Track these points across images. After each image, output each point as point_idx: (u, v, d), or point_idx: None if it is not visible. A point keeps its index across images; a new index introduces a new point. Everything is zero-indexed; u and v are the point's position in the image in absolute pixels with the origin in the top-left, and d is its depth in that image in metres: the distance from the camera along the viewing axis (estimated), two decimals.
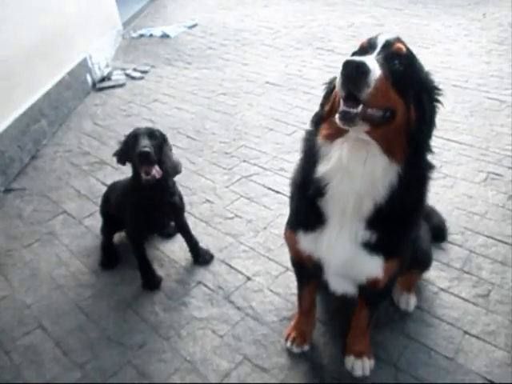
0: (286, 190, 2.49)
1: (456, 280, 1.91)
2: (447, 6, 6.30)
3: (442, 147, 2.86)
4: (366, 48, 1.10)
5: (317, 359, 1.65)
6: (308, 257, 1.36)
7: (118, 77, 4.53)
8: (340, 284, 1.41)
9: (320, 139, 1.17)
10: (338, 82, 1.01)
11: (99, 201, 2.61)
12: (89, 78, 4.29)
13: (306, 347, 1.66)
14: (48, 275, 2.13)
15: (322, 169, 1.16)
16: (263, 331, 1.76)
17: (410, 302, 1.77)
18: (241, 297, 1.92)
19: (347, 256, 1.26)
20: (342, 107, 1.02)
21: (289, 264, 1.97)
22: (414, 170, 1.13)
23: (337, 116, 1.03)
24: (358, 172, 1.11)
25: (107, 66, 4.75)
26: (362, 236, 1.22)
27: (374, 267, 1.27)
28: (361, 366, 1.55)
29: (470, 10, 6.02)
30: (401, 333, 1.70)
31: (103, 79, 4.47)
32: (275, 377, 1.58)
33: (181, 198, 1.99)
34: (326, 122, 1.16)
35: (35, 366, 1.70)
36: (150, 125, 3.41)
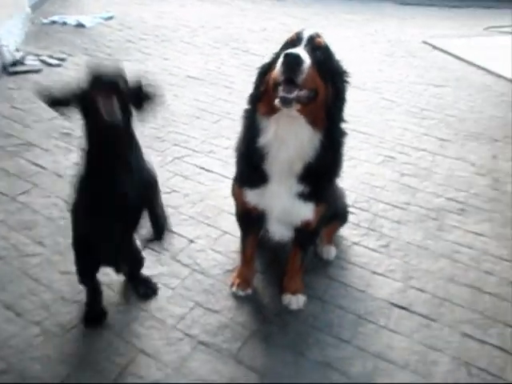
0: (217, 169, 2.82)
1: (365, 236, 2.35)
2: (344, 19, 7.11)
3: (348, 136, 3.36)
4: (294, 41, 1.42)
5: (259, 300, 1.94)
6: (254, 208, 1.66)
7: (32, 62, 4.37)
8: (279, 230, 1.73)
9: (259, 116, 1.48)
10: (277, 70, 1.33)
11: (32, 179, 2.65)
12: None
13: (249, 291, 1.94)
14: None
15: (262, 140, 1.49)
16: (210, 282, 1.99)
17: (330, 251, 2.15)
18: (186, 256, 2.13)
19: (286, 205, 1.60)
20: (281, 93, 1.35)
21: (226, 228, 2.29)
22: (332, 136, 1.51)
23: (277, 100, 1.36)
24: (291, 141, 1.47)
25: (17, 50, 4.54)
26: (296, 188, 1.57)
27: (307, 212, 1.61)
28: (296, 301, 1.88)
29: (364, 25, 6.87)
30: (324, 276, 2.07)
31: (15, 64, 4.27)
32: (225, 316, 1.83)
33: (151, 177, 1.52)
34: (263, 102, 1.48)
35: None
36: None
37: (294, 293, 1.89)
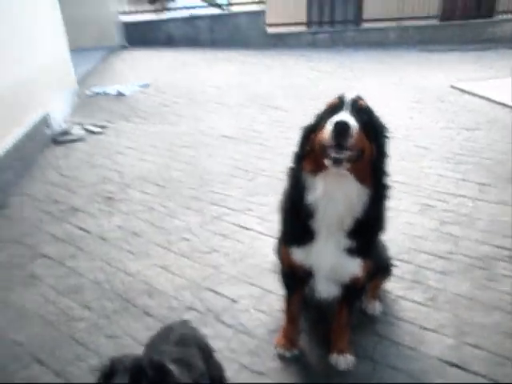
0: (256, 227, 2.85)
1: (409, 289, 2.27)
2: (368, 70, 7.31)
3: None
4: (337, 106, 1.46)
5: (306, 361, 1.88)
6: (300, 266, 1.66)
7: (77, 131, 4.70)
8: (326, 287, 1.71)
9: (305, 174, 1.52)
10: (328, 136, 1.37)
11: (78, 244, 2.76)
12: (48, 132, 4.42)
13: (295, 351, 1.89)
14: (36, 314, 2.18)
15: (311, 197, 1.52)
16: (255, 343, 1.96)
17: (375, 307, 2.09)
18: (230, 316, 2.12)
19: (334, 261, 1.59)
20: (332, 154, 1.39)
21: (269, 287, 2.27)
22: (378, 191, 1.52)
23: (327, 161, 1.40)
24: (339, 198, 1.49)
25: (65, 121, 4.90)
26: (344, 244, 1.57)
27: (355, 267, 1.60)
28: (344, 361, 1.81)
29: (389, 75, 7.03)
30: (372, 333, 2.00)
31: (62, 133, 4.61)
32: (271, 378, 1.79)
33: None
34: (309, 160, 1.52)
35: None
36: (116, 176, 3.62)
37: (341, 352, 1.83)
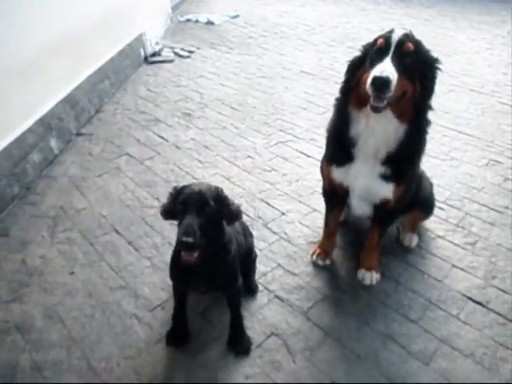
0: (317, 155, 3.00)
1: (451, 231, 2.35)
2: (474, 21, 6.69)
3: (453, 137, 3.29)
4: (383, 49, 1.49)
5: (335, 271, 2.11)
6: (339, 184, 1.84)
7: (167, 54, 5.02)
8: (360, 206, 1.87)
9: (350, 107, 1.64)
10: (368, 85, 1.45)
11: (157, 148, 3.13)
12: (142, 52, 4.79)
13: (328, 262, 2.11)
14: (117, 197, 2.61)
15: (353, 130, 1.67)
16: (294, 249, 2.21)
17: (412, 239, 2.21)
18: (276, 225, 2.38)
19: (368, 183, 1.75)
20: (372, 103, 1.48)
21: (316, 206, 2.46)
22: (417, 126, 1.61)
23: (368, 107, 1.51)
24: (379, 132, 1.63)
25: (157, 43, 5.24)
26: (378, 170, 1.71)
27: (386, 191, 1.74)
28: (369, 277, 2.00)
29: (496, 27, 6.40)
30: (402, 261, 2.15)
31: (154, 54, 4.96)
32: (302, 279, 2.04)
33: (233, 268, 1.61)
34: (354, 95, 1.62)
35: (114, 255, 2.18)
36: (197, 97, 3.91)
37: (368, 269, 2.01)
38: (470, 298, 1.94)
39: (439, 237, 2.31)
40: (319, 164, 1.99)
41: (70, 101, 3.19)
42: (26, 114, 2.68)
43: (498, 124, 3.52)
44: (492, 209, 2.52)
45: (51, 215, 2.45)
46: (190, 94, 3.99)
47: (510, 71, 4.67)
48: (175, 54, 5.04)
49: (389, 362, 1.67)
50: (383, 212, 1.85)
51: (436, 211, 2.44)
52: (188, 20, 6.15)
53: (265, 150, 3.10)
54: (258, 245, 2.22)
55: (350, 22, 6.46)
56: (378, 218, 1.93)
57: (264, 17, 6.50)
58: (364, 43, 1.67)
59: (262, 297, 1.95)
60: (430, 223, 2.38)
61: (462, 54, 5.27)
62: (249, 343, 1.72)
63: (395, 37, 1.49)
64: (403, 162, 1.69)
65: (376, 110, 1.50)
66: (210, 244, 1.44)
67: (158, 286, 2.00)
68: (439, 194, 2.58)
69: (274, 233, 2.32)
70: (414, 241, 2.22)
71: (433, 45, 5.39)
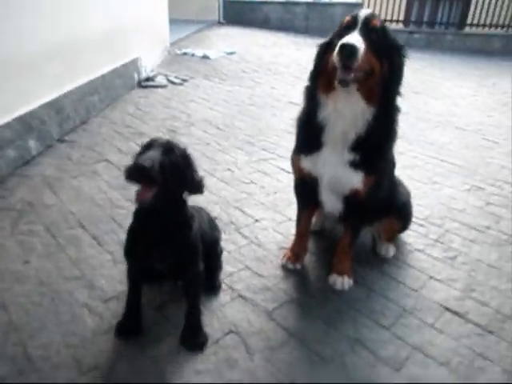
0: None
1: (430, 246, 2.26)
2: (461, 73, 6.96)
3: (436, 164, 3.28)
4: (350, 24, 1.51)
5: (306, 276, 1.99)
6: (308, 173, 1.78)
7: (160, 80, 5.13)
8: (330, 199, 1.80)
9: (319, 92, 1.62)
10: (335, 57, 1.45)
11: None
12: (136, 76, 4.89)
13: (298, 266, 2.00)
14: (90, 197, 2.53)
15: (322, 114, 1.64)
16: (264, 253, 2.11)
17: (388, 249, 2.12)
18: (248, 231, 2.29)
19: (337, 171, 1.69)
20: (339, 75, 1.47)
21: (292, 216, 2.37)
22: (385, 111, 1.59)
23: (335, 82, 1.49)
24: (346, 114, 1.59)
25: (152, 70, 5.37)
26: (347, 157, 1.66)
27: (356, 180, 1.68)
28: (341, 281, 1.89)
29: (482, 78, 6.65)
30: (377, 271, 2.05)
31: (147, 79, 5.07)
32: (269, 281, 1.92)
33: (193, 245, 1.51)
34: (322, 79, 1.61)
35: (75, 248, 2.07)
36: (184, 117, 3.94)
37: (340, 273, 1.91)
38: (447, 308, 1.83)
39: (417, 250, 2.22)
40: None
41: (55, 106, 3.18)
42: (6, 109, 2.66)
43: (481, 156, 3.53)
44: (473, 228, 2.45)
45: (17, 208, 2.35)
46: (178, 115, 4.02)
47: (495, 115, 4.78)
48: (168, 80, 5.15)
49: (356, 365, 1.53)
50: (354, 207, 1.77)
51: (415, 227, 2.39)
52: (185, 53, 6.36)
53: (245, 165, 3.06)
54: (227, 247, 2.12)
55: None
56: (350, 216, 1.85)
57: (259, 56, 6.74)
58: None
59: (224, 295, 1.82)
60: (409, 237, 2.30)
61: (448, 98, 5.42)
62: (204, 338, 1.58)
63: (362, 14, 1.51)
64: (372, 149, 1.64)
65: (343, 83, 1.47)
66: (170, 208, 1.39)
67: (116, 278, 1.88)
68: (419, 212, 2.53)
69: (245, 237, 2.23)
70: (391, 251, 2.13)
71: (421, 89, 5.63)
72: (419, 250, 2.22)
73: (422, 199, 2.73)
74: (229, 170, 2.98)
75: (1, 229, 2.17)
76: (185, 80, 5.21)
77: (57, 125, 3.23)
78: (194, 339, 1.56)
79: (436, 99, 5.30)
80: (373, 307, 1.81)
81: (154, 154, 1.29)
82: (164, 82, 5.08)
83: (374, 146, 1.63)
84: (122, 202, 2.49)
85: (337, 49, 1.44)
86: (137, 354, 1.51)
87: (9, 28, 2.60)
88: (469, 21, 9.58)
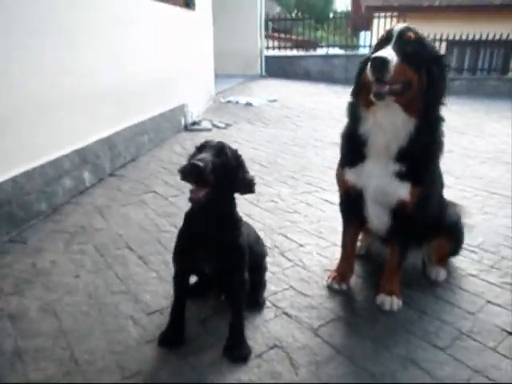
0: None
1: (485, 272, 2.12)
2: (509, 116, 6.81)
3: (486, 197, 3.15)
4: (385, 39, 1.55)
5: (352, 296, 1.92)
6: (352, 186, 1.77)
7: (205, 124, 5.38)
8: (376, 213, 1.77)
9: (360, 107, 1.66)
10: (368, 71, 1.50)
11: (184, 189, 3.18)
12: (182, 121, 5.17)
13: (344, 286, 1.94)
14: (137, 223, 2.61)
15: (363, 127, 1.66)
16: (309, 274, 2.07)
17: (439, 273, 2.02)
18: (293, 254, 2.26)
19: (382, 182, 1.68)
20: (374, 89, 1.51)
21: (337, 241, 2.34)
22: (427, 121, 1.59)
23: (371, 95, 1.53)
24: (388, 127, 1.61)
25: (198, 116, 5.66)
26: (392, 168, 1.65)
27: (402, 191, 1.66)
28: (390, 301, 1.80)
29: None
30: (429, 293, 1.94)
31: (193, 124, 5.34)
32: (315, 300, 1.86)
33: (241, 248, 1.52)
34: (362, 95, 1.64)
35: (122, 266, 2.12)
36: None
37: (389, 293, 1.82)
38: (510, 333, 1.68)
39: (471, 275, 2.09)
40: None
41: (108, 143, 3.40)
42: (66, 142, 2.87)
43: None
44: None
45: (70, 231, 2.47)
46: None
47: None
48: (213, 125, 5.39)
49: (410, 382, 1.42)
50: (402, 221, 1.72)
51: (467, 253, 2.28)
52: (229, 101, 6.68)
53: (289, 197, 3.08)
54: (271, 269, 2.10)
55: None
56: (397, 233, 1.79)
57: (300, 103, 6.96)
58: None
59: (268, 312, 1.78)
60: (461, 263, 2.19)
61: (495, 137, 5.29)
62: (248, 350, 1.53)
63: (397, 28, 1.54)
64: (418, 159, 1.62)
65: (378, 96, 1.49)
66: (220, 208, 1.44)
67: (160, 294, 1.89)
68: (471, 239, 2.40)
69: (289, 260, 2.20)
70: (442, 275, 2.02)
71: (465, 129, 5.55)
72: (473, 275, 2.09)
73: (475, 228, 2.60)
74: (272, 201, 3.01)
75: (55, 248, 2.27)
76: (229, 124, 5.44)
77: (109, 160, 3.43)
78: (237, 350, 1.52)
79: (482, 138, 5.20)
80: (426, 328, 1.70)
81: (207, 155, 1.36)
82: (209, 126, 5.33)
83: (419, 157, 1.62)
84: (167, 227, 2.55)
85: (369, 63, 1.48)
86: (179, 363, 1.49)
87: (68, 69, 2.87)
88: None
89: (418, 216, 1.71)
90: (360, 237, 2.14)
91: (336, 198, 3.01)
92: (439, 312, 1.80)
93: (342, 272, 1.96)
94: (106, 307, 1.79)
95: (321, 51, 11.90)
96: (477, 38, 9.77)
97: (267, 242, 2.38)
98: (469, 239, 2.33)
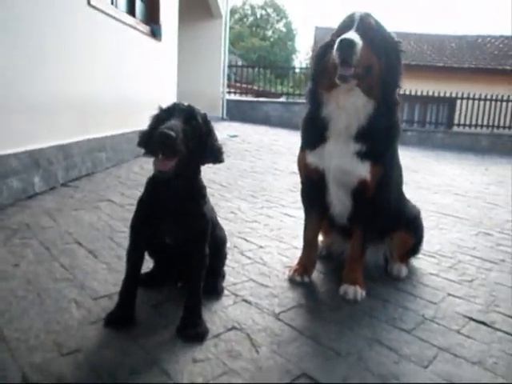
0: (301, 215, 2.90)
1: (444, 272, 2.13)
2: (455, 162, 7.28)
3: (440, 217, 3.25)
4: (347, 24, 1.62)
5: (314, 288, 1.85)
6: (314, 168, 1.77)
7: None
8: (338, 195, 1.76)
9: (321, 91, 1.69)
10: (334, 53, 1.55)
11: None
12: None
13: (307, 279, 1.87)
14: (89, 224, 2.45)
15: (325, 111, 1.70)
16: (269, 270, 1.98)
17: (401, 269, 2.00)
18: (253, 254, 2.18)
19: (343, 161, 1.69)
20: (339, 71, 1.55)
21: (298, 245, 2.29)
22: (385, 103, 1.64)
23: (336, 77, 1.57)
24: (348, 108, 1.65)
25: None
26: (353, 147, 1.68)
27: (363, 170, 1.67)
28: (353, 291, 1.74)
29: (475, 166, 6.93)
30: (392, 287, 1.90)
31: None
32: (275, 290, 1.77)
33: (205, 217, 1.43)
34: (323, 79, 1.68)
35: (70, 258, 1.94)
36: None
37: (352, 283, 1.76)
38: (472, 318, 1.66)
39: (432, 274, 2.09)
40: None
41: (65, 151, 3.26)
42: (17, 141, 2.72)
43: (484, 213, 3.52)
44: (487, 260, 2.34)
45: (13, 228, 2.27)
46: None
47: (491, 188, 4.89)
48: None
49: (376, 361, 1.34)
50: (363, 204, 1.72)
51: (426, 257, 2.30)
52: None
53: (249, 210, 3.04)
54: (231, 264, 2.00)
55: None
56: (360, 217, 1.77)
57: (260, 139, 7.13)
58: None
59: (227, 299, 1.67)
60: (421, 264, 2.19)
61: (445, 175, 5.59)
62: (205, 329, 1.40)
63: (358, 14, 1.62)
64: (377, 139, 1.66)
65: (343, 78, 1.52)
66: (184, 177, 1.35)
67: (110, 282, 1.73)
68: (429, 246, 2.44)
69: (249, 258, 2.12)
70: (404, 271, 2.00)
71: (418, 169, 5.81)
72: (433, 274, 2.09)
73: (431, 239, 2.65)
74: (232, 212, 2.94)
75: None
76: None
77: (63, 169, 3.27)
78: (192, 329, 1.38)
79: (433, 176, 5.46)
80: (390, 314, 1.64)
81: (177, 122, 1.27)
82: None
83: (378, 137, 1.65)
84: (121, 228, 2.40)
85: (336, 45, 1.52)
86: (127, 342, 1.33)
87: (37, 74, 2.79)
88: (456, 121, 10.31)
89: (379, 199, 1.71)
90: (320, 238, 2.11)
91: (297, 213, 3.04)
92: (402, 301, 1.76)
93: (304, 264, 1.90)
94: (46, 292, 1.60)
95: (281, 98, 12.41)
96: (424, 93, 10.59)
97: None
98: (427, 246, 2.37)
